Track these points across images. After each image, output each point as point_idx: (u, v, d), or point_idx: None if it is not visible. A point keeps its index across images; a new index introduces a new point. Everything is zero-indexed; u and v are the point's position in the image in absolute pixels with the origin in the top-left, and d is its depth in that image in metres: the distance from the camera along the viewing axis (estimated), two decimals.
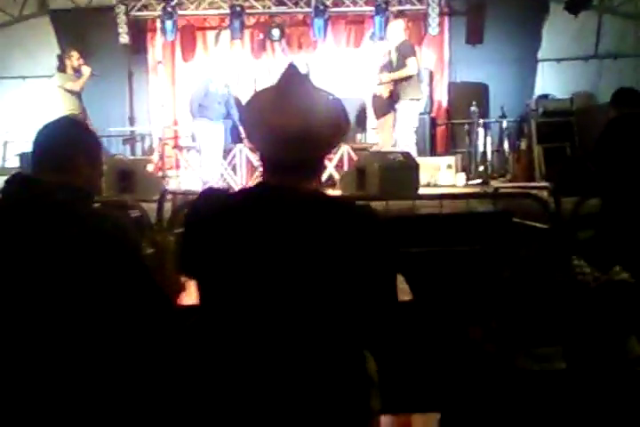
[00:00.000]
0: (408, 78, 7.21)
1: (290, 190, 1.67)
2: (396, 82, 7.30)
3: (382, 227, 1.72)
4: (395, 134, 7.34)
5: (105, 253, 1.80)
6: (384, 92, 7.61)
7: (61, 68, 8.46)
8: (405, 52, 7.27)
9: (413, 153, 7.13)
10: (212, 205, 1.77)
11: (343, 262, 1.62)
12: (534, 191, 4.45)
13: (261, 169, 1.79)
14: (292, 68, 1.75)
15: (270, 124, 1.64)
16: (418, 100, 7.43)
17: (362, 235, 1.65)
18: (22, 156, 9.73)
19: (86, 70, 8.16)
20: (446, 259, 3.97)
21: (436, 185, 8.07)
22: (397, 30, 7.53)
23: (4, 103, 11.18)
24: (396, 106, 7.31)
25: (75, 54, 8.24)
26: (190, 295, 2.27)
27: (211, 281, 1.73)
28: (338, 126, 1.72)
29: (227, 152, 8.81)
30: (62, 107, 8.11)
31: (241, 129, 8.82)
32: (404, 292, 2.88)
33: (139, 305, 1.89)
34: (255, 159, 8.58)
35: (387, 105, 7.73)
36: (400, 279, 2.90)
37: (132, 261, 1.90)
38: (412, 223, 4.36)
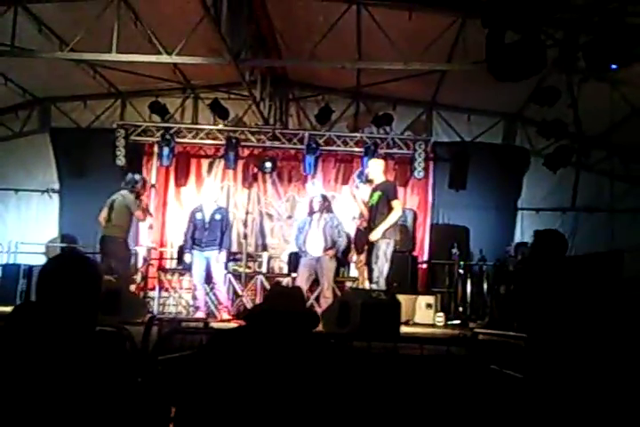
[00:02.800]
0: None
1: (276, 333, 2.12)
2: (376, 220, 7.36)
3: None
4: (374, 271, 7.34)
5: (110, 370, 2.02)
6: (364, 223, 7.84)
7: (133, 190, 8.49)
8: (390, 194, 7.39)
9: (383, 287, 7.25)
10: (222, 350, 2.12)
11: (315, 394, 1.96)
12: (512, 340, 4.48)
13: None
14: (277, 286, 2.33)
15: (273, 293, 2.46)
16: (393, 240, 7.55)
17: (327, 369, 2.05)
18: (5, 267, 9.74)
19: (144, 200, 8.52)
20: (427, 402, 3.96)
21: (415, 323, 8.11)
22: (377, 169, 7.70)
23: None
24: (377, 244, 7.34)
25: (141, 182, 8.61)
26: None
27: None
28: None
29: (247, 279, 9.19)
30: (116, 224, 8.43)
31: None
32: None
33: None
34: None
35: (365, 242, 7.83)
36: None
37: (127, 386, 2.07)
38: (393, 363, 4.38)
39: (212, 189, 9.40)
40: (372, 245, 7.34)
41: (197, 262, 8.31)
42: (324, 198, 8.50)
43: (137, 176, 8.66)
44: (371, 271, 7.32)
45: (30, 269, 9.43)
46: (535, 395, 3.49)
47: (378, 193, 7.42)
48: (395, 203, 7.34)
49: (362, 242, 8.17)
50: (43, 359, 1.95)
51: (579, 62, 7.44)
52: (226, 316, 8.13)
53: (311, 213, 8.47)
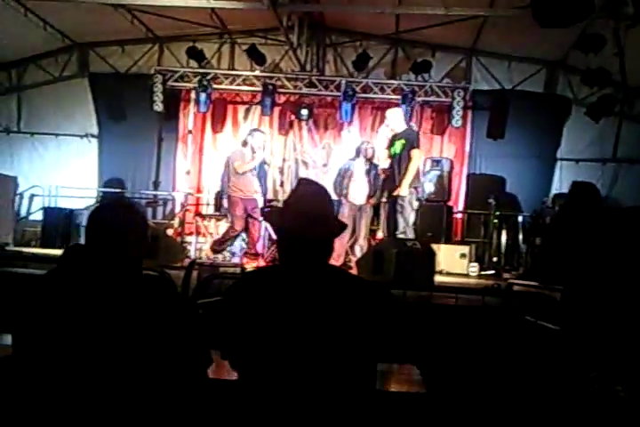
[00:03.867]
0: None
1: (314, 266, 2.07)
2: (400, 169, 7.38)
3: (391, 298, 2.15)
4: (400, 222, 7.37)
5: (157, 312, 2.10)
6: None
7: (244, 142, 8.39)
8: (412, 142, 7.39)
9: (411, 237, 7.28)
10: (253, 286, 2.11)
11: (361, 329, 1.98)
12: (548, 292, 4.51)
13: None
14: (307, 179, 2.35)
15: (296, 206, 2.14)
16: (416, 187, 7.62)
17: (376, 304, 2.05)
18: (47, 210, 9.95)
19: (259, 156, 8.20)
20: (460, 353, 4.02)
21: (449, 273, 8.15)
22: (398, 118, 7.74)
23: (34, 158, 11.52)
24: (400, 193, 7.36)
25: (260, 136, 8.31)
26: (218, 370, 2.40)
27: (250, 352, 2.00)
28: (339, 221, 2.28)
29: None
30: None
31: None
32: (418, 384, 2.95)
33: (177, 358, 2.11)
34: None
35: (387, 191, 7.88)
36: (415, 372, 2.99)
37: (178, 322, 2.16)
38: (428, 312, 4.45)
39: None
40: (394, 195, 7.37)
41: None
42: (372, 148, 8.48)
43: (254, 132, 8.47)
44: (395, 222, 7.36)
45: (71, 212, 9.61)
46: (571, 347, 3.53)
47: (401, 141, 7.41)
48: (414, 152, 7.34)
49: (383, 191, 8.13)
50: (95, 300, 2.04)
51: (627, 8, 7.20)
52: (261, 262, 8.25)
53: (356, 157, 8.42)
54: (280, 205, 9.30)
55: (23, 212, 10.73)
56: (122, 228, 2.23)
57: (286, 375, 1.94)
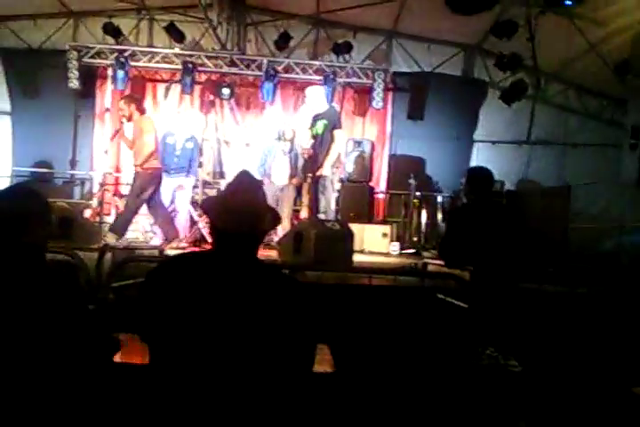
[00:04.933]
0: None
1: (235, 258, 2.08)
2: (322, 149, 7.39)
3: (306, 293, 2.15)
4: (321, 201, 7.40)
5: (58, 300, 2.07)
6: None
7: None
8: (334, 122, 7.36)
9: (332, 217, 7.37)
10: (172, 272, 2.09)
11: (278, 321, 2.01)
12: (458, 271, 4.63)
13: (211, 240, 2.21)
14: (245, 173, 2.29)
15: (230, 204, 2.13)
16: (338, 167, 7.71)
17: (289, 297, 2.08)
18: None
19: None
20: (373, 332, 4.12)
21: (370, 252, 8.28)
22: (319, 96, 7.67)
23: None
24: (323, 173, 7.37)
25: (124, 107, 7.37)
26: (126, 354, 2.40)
27: (166, 337, 1.98)
28: (275, 215, 2.24)
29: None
30: None
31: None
32: (327, 363, 3.01)
33: (77, 351, 2.09)
34: None
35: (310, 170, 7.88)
36: (325, 351, 3.05)
37: (77, 312, 2.14)
38: (343, 292, 4.53)
39: (189, 117, 9.28)
40: (317, 176, 7.41)
41: (165, 187, 7.99)
42: (293, 129, 8.49)
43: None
44: (317, 202, 7.40)
45: None
46: (473, 324, 3.67)
47: (324, 121, 7.36)
48: (336, 133, 7.34)
49: (306, 172, 8.17)
50: None
51: None
52: (182, 244, 8.13)
53: (277, 138, 8.43)
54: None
55: None
56: (20, 215, 2.18)
57: (200, 360, 1.95)
